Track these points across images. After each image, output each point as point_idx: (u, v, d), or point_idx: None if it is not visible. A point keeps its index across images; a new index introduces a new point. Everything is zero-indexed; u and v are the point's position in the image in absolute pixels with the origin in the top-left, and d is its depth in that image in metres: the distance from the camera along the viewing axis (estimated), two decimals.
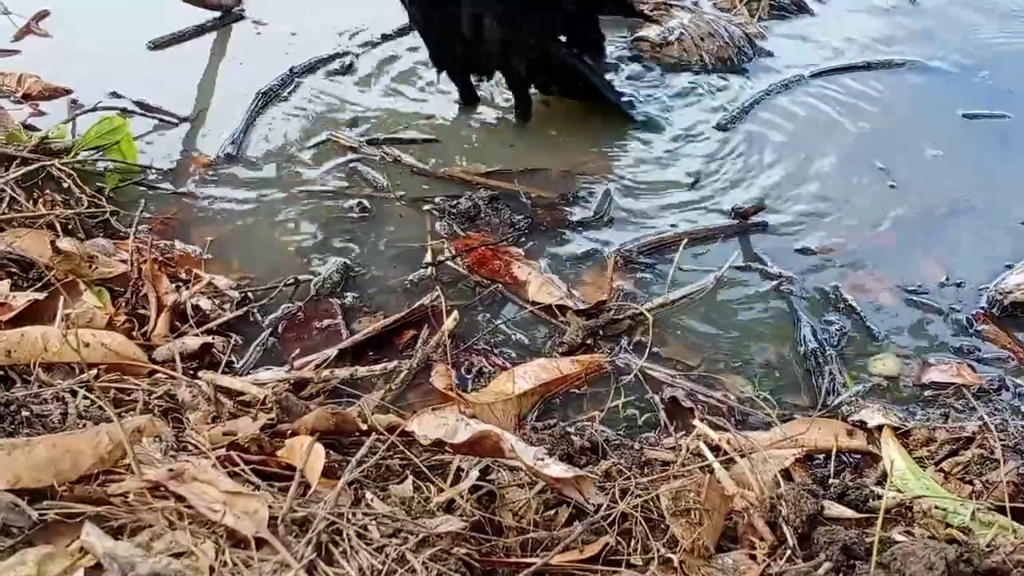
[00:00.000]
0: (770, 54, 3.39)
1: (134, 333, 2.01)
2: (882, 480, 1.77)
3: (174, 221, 2.48)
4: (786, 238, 2.52)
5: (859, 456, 1.89)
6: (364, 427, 1.70)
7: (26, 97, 2.92)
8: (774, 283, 2.36)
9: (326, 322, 2.19)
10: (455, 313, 2.12)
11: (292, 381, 1.94)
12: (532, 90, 3.01)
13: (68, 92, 2.96)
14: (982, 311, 2.29)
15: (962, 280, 2.38)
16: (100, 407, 1.65)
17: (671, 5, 3.54)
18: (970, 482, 1.75)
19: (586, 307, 2.23)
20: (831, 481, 1.75)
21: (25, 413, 1.60)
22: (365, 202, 2.57)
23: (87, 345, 1.81)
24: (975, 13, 3.66)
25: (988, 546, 1.53)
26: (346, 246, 2.43)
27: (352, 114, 2.98)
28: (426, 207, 2.57)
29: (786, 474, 1.73)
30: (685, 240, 2.42)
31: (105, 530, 1.32)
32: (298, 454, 1.55)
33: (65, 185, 2.40)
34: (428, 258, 2.37)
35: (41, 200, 2.32)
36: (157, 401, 1.75)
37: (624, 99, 3.08)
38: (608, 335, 2.18)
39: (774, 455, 1.74)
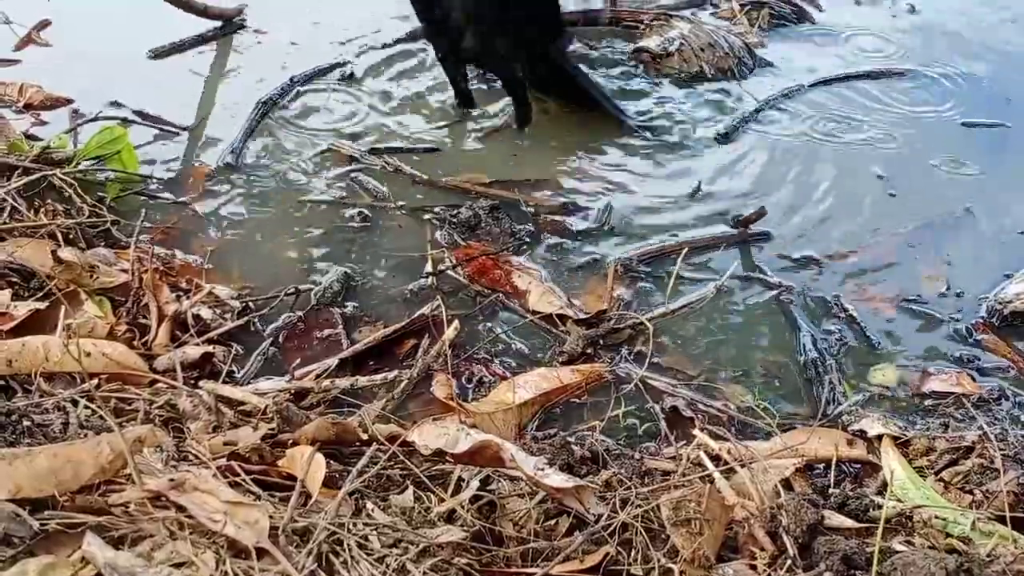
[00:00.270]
0: (770, 64, 3.40)
1: (135, 343, 2.01)
2: (882, 490, 1.77)
3: (175, 231, 2.48)
4: (786, 247, 2.52)
5: (859, 466, 1.89)
6: (365, 437, 1.71)
7: (27, 107, 2.93)
8: (774, 292, 2.36)
9: (327, 332, 2.19)
10: (456, 323, 2.12)
11: (293, 391, 1.94)
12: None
13: (69, 102, 2.97)
14: (982, 321, 2.29)
15: (962, 290, 2.38)
16: (101, 417, 1.65)
17: (671, 15, 3.55)
18: (970, 492, 1.75)
19: (586, 316, 2.23)
20: (831, 491, 1.75)
21: (26, 423, 1.60)
22: (366, 211, 2.57)
23: (88, 355, 1.81)
24: (974, 22, 3.67)
25: (988, 556, 1.53)
26: (347, 256, 2.44)
27: (352, 123, 2.99)
28: (426, 216, 2.57)
29: (786, 484, 1.73)
30: (686, 249, 2.42)
31: (106, 540, 1.32)
32: (299, 464, 1.55)
33: (66, 195, 2.40)
34: (429, 268, 2.37)
35: (42, 210, 2.33)
36: (158, 411, 1.75)
37: (623, 107, 3.08)
38: (608, 344, 2.19)
39: (774, 465, 1.74)
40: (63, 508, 1.39)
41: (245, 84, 3.14)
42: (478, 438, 1.62)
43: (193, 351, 2.02)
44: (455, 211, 2.55)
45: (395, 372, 2.04)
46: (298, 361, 2.10)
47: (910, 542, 1.59)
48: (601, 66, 3.34)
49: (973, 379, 2.13)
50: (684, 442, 1.88)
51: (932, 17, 3.72)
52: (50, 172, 2.42)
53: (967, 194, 2.73)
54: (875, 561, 1.46)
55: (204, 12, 3.39)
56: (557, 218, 2.60)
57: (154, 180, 2.67)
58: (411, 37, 3.41)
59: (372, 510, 1.49)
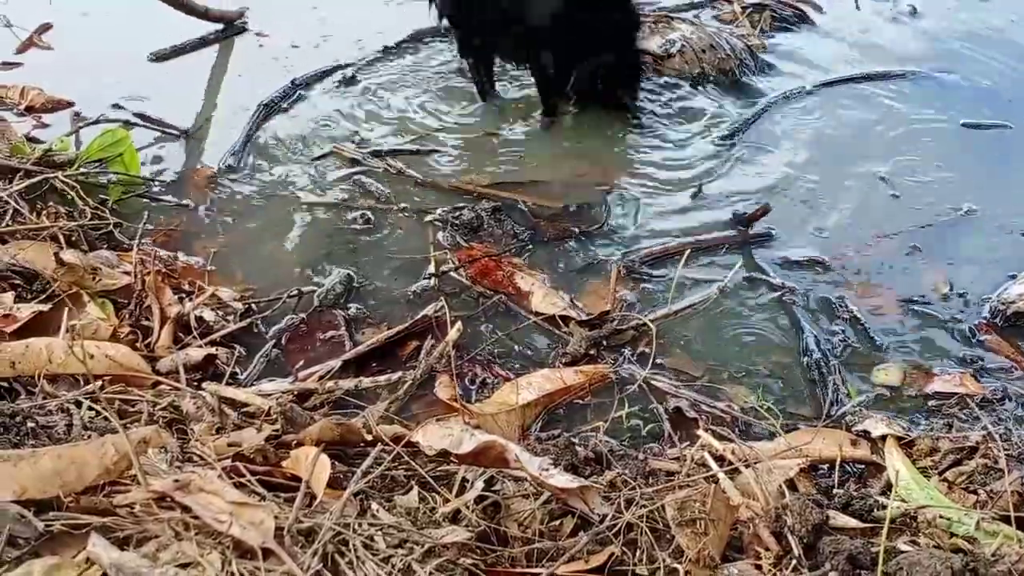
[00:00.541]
0: (772, 66, 3.41)
1: (138, 345, 2.02)
2: (886, 490, 1.77)
3: (177, 233, 2.48)
4: (789, 249, 2.52)
5: (863, 466, 1.89)
6: (369, 438, 1.70)
7: (29, 110, 2.93)
8: (777, 293, 2.36)
9: (330, 333, 2.19)
10: (459, 324, 2.12)
11: (296, 392, 1.94)
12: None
13: (71, 104, 2.97)
14: (985, 321, 2.29)
15: (964, 290, 2.38)
16: (105, 418, 1.65)
17: (673, 17, 3.55)
18: (974, 492, 1.75)
19: (589, 318, 2.23)
20: (835, 491, 1.75)
21: (30, 424, 1.60)
22: (368, 213, 2.57)
23: (91, 357, 1.81)
24: (975, 24, 3.68)
25: (993, 555, 1.52)
26: (349, 257, 2.44)
27: (354, 126, 2.99)
28: (429, 218, 2.57)
29: (791, 484, 1.72)
30: (688, 251, 2.42)
31: (111, 541, 1.32)
32: (303, 465, 1.55)
33: (68, 197, 2.41)
34: (431, 269, 2.37)
35: (45, 212, 2.33)
36: (161, 412, 1.75)
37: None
38: (611, 346, 2.19)
39: (779, 465, 1.74)
40: (68, 509, 1.38)
41: (246, 87, 3.15)
42: (482, 439, 1.62)
43: (196, 353, 2.02)
44: (457, 213, 2.56)
45: (398, 373, 2.04)
46: (301, 363, 2.10)
47: (915, 542, 1.59)
48: None
49: (976, 379, 2.13)
50: (688, 443, 1.88)
51: (933, 19, 3.73)
52: (52, 175, 2.42)
53: (969, 195, 2.73)
54: (881, 560, 1.46)
55: (205, 15, 3.39)
56: (559, 220, 2.60)
57: (156, 183, 2.67)
58: (413, 39, 3.42)
59: (377, 510, 1.49)
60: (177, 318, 2.10)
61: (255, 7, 3.54)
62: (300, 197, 2.66)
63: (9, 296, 2.02)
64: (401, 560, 1.37)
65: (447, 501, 1.56)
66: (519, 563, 1.48)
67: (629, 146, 2.94)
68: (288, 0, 3.67)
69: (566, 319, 2.23)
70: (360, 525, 1.42)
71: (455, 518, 1.53)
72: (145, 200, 2.59)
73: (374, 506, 1.50)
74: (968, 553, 1.53)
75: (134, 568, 1.26)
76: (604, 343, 2.18)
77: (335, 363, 2.07)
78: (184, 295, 2.21)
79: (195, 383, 1.92)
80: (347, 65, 3.27)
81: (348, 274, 2.33)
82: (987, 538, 1.59)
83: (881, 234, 2.58)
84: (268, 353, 2.12)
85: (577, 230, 2.56)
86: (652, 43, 3.37)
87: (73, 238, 2.29)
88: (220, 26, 3.44)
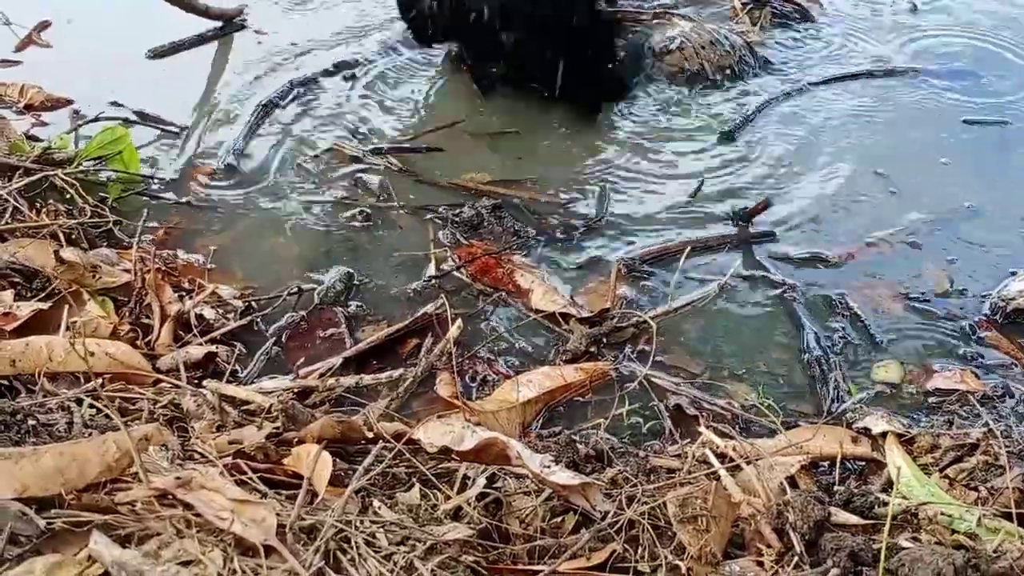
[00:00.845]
0: (772, 63, 3.40)
1: (138, 343, 2.01)
2: (887, 487, 1.77)
3: (177, 231, 2.48)
4: (789, 245, 2.52)
5: (863, 463, 1.89)
6: (370, 435, 1.70)
7: (28, 107, 2.92)
8: (777, 290, 2.36)
9: (330, 331, 2.19)
10: (459, 321, 2.12)
11: (297, 390, 1.94)
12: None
13: (70, 102, 2.96)
14: (985, 318, 2.30)
15: (965, 287, 2.39)
16: (106, 416, 1.65)
17: (672, 14, 3.55)
18: (975, 488, 1.75)
19: (590, 315, 2.23)
20: (836, 488, 1.75)
21: (31, 422, 1.60)
22: (368, 211, 2.57)
23: (92, 354, 1.81)
24: (976, 19, 3.67)
25: (995, 552, 1.53)
26: (349, 255, 2.43)
27: (354, 123, 2.98)
28: (429, 216, 2.57)
29: (792, 481, 1.73)
30: (688, 248, 2.42)
31: (113, 538, 1.32)
32: (305, 462, 1.55)
33: (68, 195, 2.40)
34: (431, 267, 2.37)
35: (44, 210, 2.32)
36: (162, 410, 1.75)
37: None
38: (612, 343, 2.19)
39: (780, 462, 1.74)
40: (69, 507, 1.38)
41: (246, 84, 3.14)
42: (484, 436, 1.62)
43: (196, 351, 2.02)
44: (457, 210, 2.55)
45: (399, 371, 2.04)
46: (302, 360, 2.10)
47: (916, 539, 1.59)
48: None
49: (977, 376, 2.13)
50: (689, 440, 1.89)
51: (933, 15, 3.72)
52: (52, 172, 2.41)
53: (969, 191, 2.73)
54: (883, 557, 1.46)
55: (205, 12, 3.38)
56: (559, 217, 2.60)
57: (156, 180, 2.66)
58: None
59: (379, 508, 1.49)
60: (177, 316, 2.10)
61: (254, 4, 3.53)
62: (300, 195, 2.65)
63: (9, 294, 2.02)
64: (403, 557, 1.37)
65: (448, 498, 1.56)
66: (521, 560, 1.48)
67: (628, 144, 2.94)
68: None
69: (566, 316, 2.23)
70: (362, 522, 1.42)
71: (457, 515, 1.54)
72: (145, 198, 2.58)
73: (376, 503, 1.50)
74: (970, 550, 1.53)
75: (136, 566, 1.26)
76: (604, 340, 2.18)
77: (336, 360, 2.07)
78: (184, 293, 2.21)
79: (195, 381, 1.91)
80: (347, 63, 3.26)
81: (348, 272, 2.33)
82: (988, 535, 1.60)
83: (881, 231, 2.58)
84: (268, 351, 2.12)
85: (578, 227, 2.56)
86: (651, 40, 3.37)
87: (73, 236, 2.28)
88: (219, 24, 3.42)
